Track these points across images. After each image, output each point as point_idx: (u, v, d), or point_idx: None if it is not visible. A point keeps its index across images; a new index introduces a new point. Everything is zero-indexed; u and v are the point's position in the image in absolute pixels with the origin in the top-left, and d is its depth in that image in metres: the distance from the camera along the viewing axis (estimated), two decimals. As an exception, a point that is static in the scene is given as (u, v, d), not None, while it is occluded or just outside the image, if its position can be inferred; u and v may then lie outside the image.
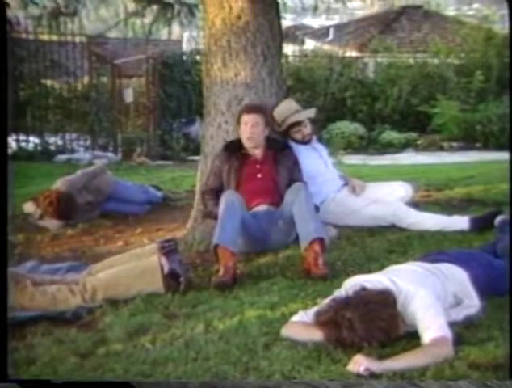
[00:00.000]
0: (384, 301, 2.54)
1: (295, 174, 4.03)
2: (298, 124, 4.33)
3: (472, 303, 2.78)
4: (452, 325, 2.55)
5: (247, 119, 3.93)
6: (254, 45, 4.12)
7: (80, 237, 4.82)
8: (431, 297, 2.59)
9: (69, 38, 10.36)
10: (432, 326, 2.47)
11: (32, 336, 2.99)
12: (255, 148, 4.01)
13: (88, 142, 10.93)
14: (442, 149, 11.66)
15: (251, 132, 3.93)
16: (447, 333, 2.47)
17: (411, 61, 13.41)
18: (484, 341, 2.53)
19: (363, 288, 2.64)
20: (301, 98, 11.36)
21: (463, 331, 2.62)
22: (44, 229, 5.01)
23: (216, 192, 3.93)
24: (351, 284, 2.75)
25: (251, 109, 3.97)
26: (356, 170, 7.27)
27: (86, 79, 11.29)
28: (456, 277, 2.85)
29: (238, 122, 3.99)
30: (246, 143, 3.99)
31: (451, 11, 26.62)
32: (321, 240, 3.60)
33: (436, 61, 13.17)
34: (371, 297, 2.56)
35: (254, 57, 4.13)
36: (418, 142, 11.96)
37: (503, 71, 11.91)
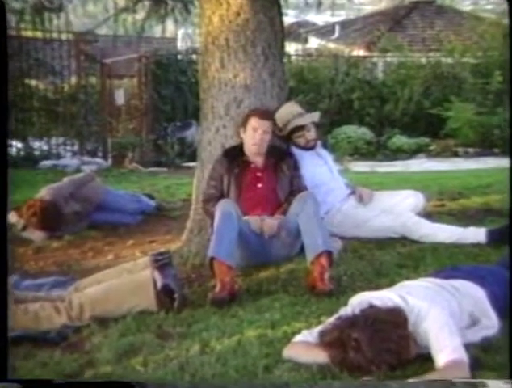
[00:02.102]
0: (394, 320, 2.54)
1: (296, 182, 4.05)
2: (301, 128, 4.34)
3: (490, 323, 2.77)
4: (468, 347, 2.54)
5: (257, 124, 3.95)
6: (254, 44, 4.13)
7: (66, 250, 4.82)
8: (445, 316, 2.58)
9: (55, 35, 10.36)
10: (446, 348, 2.46)
11: (14, 358, 2.98)
12: (257, 155, 4.03)
13: (75, 147, 10.93)
14: (456, 155, 11.66)
15: (260, 139, 3.96)
16: (463, 356, 2.46)
17: (423, 60, 13.43)
18: (504, 365, 2.51)
19: (371, 306, 2.64)
20: (304, 100, 11.37)
21: (481, 354, 2.60)
22: (27, 242, 5.01)
23: (217, 200, 3.93)
24: (358, 302, 2.75)
25: (263, 115, 3.99)
26: (364, 177, 7.26)
27: (73, 79, 11.31)
28: (472, 295, 2.84)
29: (244, 125, 4.01)
30: (251, 149, 4.01)
31: (466, 6, 26.71)
32: (328, 253, 3.62)
33: (450, 60, 13.18)
34: (379, 315, 2.55)
35: (254, 57, 4.14)
36: (431, 148, 11.96)
37: (523, 71, 11.93)
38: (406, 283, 3.01)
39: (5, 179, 2.64)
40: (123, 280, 3.52)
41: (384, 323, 2.51)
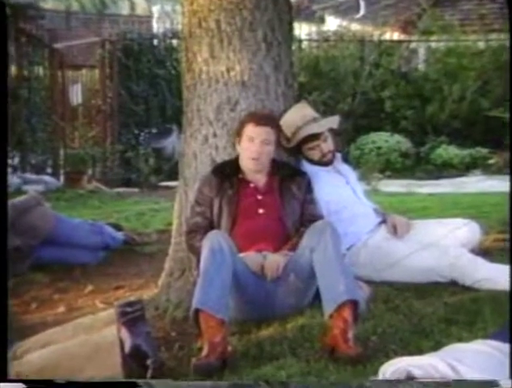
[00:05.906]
0: (441, 397, 2.53)
1: (309, 208, 4.07)
2: (315, 137, 4.37)
3: None
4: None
5: (255, 133, 3.98)
6: (254, 27, 4.17)
7: (3, 298, 4.83)
8: (510, 395, 2.58)
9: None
10: None
11: None
12: (257, 173, 4.06)
13: (15, 161, 10.97)
14: (524, 171, 11.70)
15: (259, 151, 3.99)
16: None
17: (480, 45, 13.48)
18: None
19: (411, 378, 2.63)
20: (320, 100, 11.44)
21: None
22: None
23: (204, 232, 3.95)
24: (392, 371, 2.74)
25: (262, 120, 4.02)
26: (399, 201, 7.29)
27: (12, 70, 11.36)
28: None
29: (239, 134, 4.04)
30: (249, 165, 4.04)
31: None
32: (353, 304, 3.61)
33: (518, 44, 13.25)
34: (421, 389, 2.55)
35: (254, 44, 4.18)
36: (490, 162, 12.00)
37: None
38: (457, 346, 3.01)
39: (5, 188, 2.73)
40: (78, 340, 3.52)
41: (427, 400, 2.51)
